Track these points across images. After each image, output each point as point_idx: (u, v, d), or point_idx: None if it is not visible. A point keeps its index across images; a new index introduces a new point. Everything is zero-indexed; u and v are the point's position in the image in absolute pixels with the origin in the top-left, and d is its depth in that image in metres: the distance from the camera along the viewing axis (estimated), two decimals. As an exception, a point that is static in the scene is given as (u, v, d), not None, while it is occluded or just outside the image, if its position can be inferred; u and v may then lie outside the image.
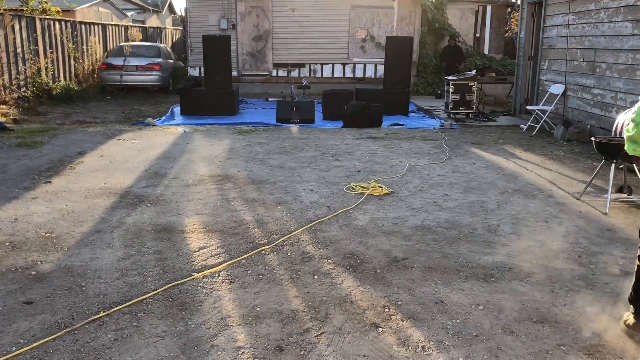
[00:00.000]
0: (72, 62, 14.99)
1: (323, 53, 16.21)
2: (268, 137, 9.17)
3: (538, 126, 9.85)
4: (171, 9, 34.26)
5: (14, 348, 2.84)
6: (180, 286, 3.58)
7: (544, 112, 9.94)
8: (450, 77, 11.68)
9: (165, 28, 25.71)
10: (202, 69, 12.08)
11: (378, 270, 3.85)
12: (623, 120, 6.47)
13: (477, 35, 17.98)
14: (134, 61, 15.05)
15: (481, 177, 6.52)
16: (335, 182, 6.24)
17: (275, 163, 7.16)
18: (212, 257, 4.06)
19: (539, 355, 2.84)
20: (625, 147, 3.13)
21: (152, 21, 28.58)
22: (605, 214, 5.19)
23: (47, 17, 14.08)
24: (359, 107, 10.44)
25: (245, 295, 3.46)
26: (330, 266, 3.92)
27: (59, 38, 14.24)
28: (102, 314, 3.19)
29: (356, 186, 5.99)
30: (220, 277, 3.72)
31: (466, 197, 5.70)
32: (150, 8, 28.99)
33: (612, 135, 6.68)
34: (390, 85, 12.02)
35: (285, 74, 15.40)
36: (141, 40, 20.04)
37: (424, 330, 3.07)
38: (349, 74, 16.46)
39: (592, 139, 5.54)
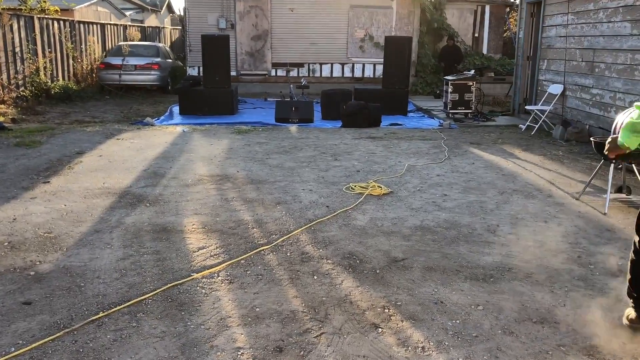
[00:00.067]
0: (71, 61, 14.97)
1: (322, 53, 16.20)
2: (267, 136, 9.16)
3: (537, 126, 9.85)
4: (170, 9, 34.23)
5: (13, 349, 2.83)
6: (179, 286, 3.57)
7: (542, 112, 9.95)
8: (449, 77, 11.68)
9: (164, 27, 25.68)
10: (201, 68, 12.07)
11: (377, 271, 3.85)
12: (622, 120, 6.48)
13: (476, 35, 18.00)
14: (132, 61, 15.02)
15: (480, 177, 6.52)
16: (335, 182, 6.24)
17: (274, 163, 7.15)
18: (212, 258, 4.05)
19: (538, 356, 2.84)
20: (621, 138, 3.00)
21: (151, 21, 28.56)
22: (605, 214, 5.19)
23: (46, 16, 14.05)
24: (358, 106, 10.44)
25: (244, 296, 3.45)
26: (330, 266, 3.92)
27: (57, 37, 14.22)
28: (101, 314, 3.19)
29: (355, 186, 5.99)
30: (219, 278, 3.72)
31: (465, 197, 5.70)
32: (149, 7, 28.96)
33: (611, 135, 6.68)
34: (389, 85, 12.02)
35: (284, 74, 15.38)
36: (140, 40, 20.01)
37: (423, 331, 3.06)
38: (347, 74, 16.45)
39: (591, 139, 5.54)
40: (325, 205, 5.35)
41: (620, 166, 5.55)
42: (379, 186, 5.96)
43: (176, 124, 10.37)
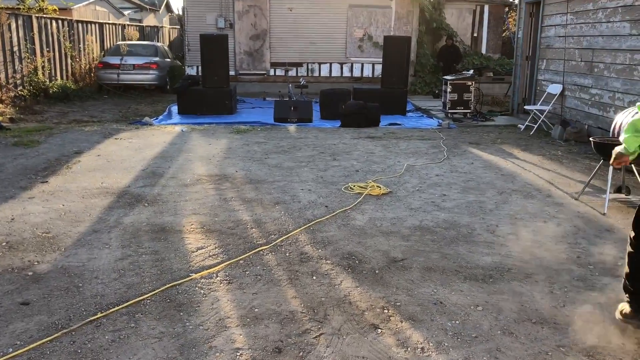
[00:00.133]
0: (69, 60, 14.94)
1: (321, 52, 16.19)
2: (266, 136, 9.15)
3: (536, 126, 9.85)
4: (168, 8, 34.20)
5: (11, 349, 2.82)
6: (178, 287, 3.56)
7: (541, 112, 9.95)
8: (448, 77, 11.68)
9: (162, 27, 25.65)
10: (200, 68, 12.07)
11: (377, 271, 3.84)
12: (621, 121, 6.47)
13: (475, 34, 18.00)
14: (131, 60, 15.01)
15: (479, 177, 6.52)
16: (334, 181, 6.23)
17: (273, 162, 7.14)
18: (210, 258, 4.04)
19: (538, 357, 2.84)
20: (623, 140, 3.03)
21: (150, 20, 28.53)
22: (604, 214, 5.19)
23: (44, 15, 14.02)
24: (357, 106, 10.43)
25: (243, 296, 3.44)
26: (329, 267, 3.91)
27: (55, 37, 14.19)
28: (99, 315, 3.17)
29: (354, 186, 5.98)
30: (218, 278, 3.71)
31: (464, 197, 5.70)
32: (148, 7, 28.93)
33: (610, 135, 6.68)
34: (388, 84, 12.01)
35: (283, 73, 15.36)
36: (138, 39, 19.99)
37: (423, 332, 3.05)
38: (346, 74, 16.45)
39: (590, 139, 5.54)
40: (324, 205, 5.34)
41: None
42: (378, 186, 5.95)
43: (175, 124, 10.36)
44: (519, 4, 12.15)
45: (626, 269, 3.10)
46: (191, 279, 3.68)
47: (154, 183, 6.06)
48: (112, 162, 7.00)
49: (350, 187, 5.95)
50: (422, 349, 2.89)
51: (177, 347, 2.87)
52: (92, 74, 15.80)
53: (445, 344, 2.93)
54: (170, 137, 8.94)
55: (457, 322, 3.16)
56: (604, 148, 5.39)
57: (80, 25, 15.77)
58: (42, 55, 13.41)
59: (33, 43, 13.01)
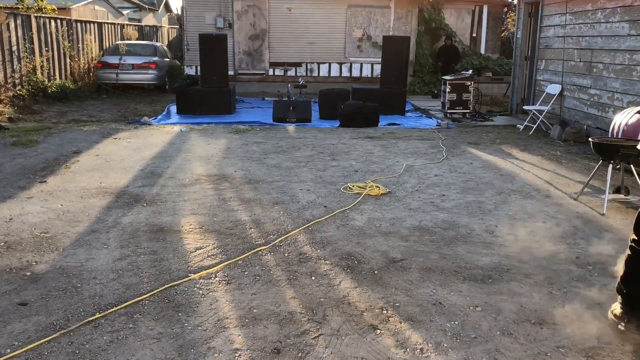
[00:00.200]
0: (68, 60, 14.92)
1: (320, 52, 16.18)
2: (265, 136, 9.14)
3: (535, 126, 9.85)
4: (167, 8, 34.17)
5: (9, 350, 2.81)
6: (176, 287, 3.55)
7: (540, 112, 9.95)
8: (447, 77, 11.68)
9: (161, 27, 25.62)
10: (199, 67, 12.05)
11: (376, 272, 3.84)
12: (620, 121, 6.48)
13: (474, 35, 17.99)
14: (130, 60, 15.00)
15: (478, 177, 6.51)
16: (332, 181, 6.22)
17: (272, 162, 7.13)
18: (209, 258, 4.03)
19: (537, 357, 2.83)
20: None
21: (149, 20, 28.50)
22: (603, 214, 5.19)
23: (43, 15, 14.00)
24: (356, 106, 10.43)
25: (242, 297, 3.43)
26: (328, 267, 3.90)
27: (54, 36, 14.17)
28: (97, 315, 3.16)
29: (353, 186, 5.97)
30: (217, 278, 3.70)
31: (463, 197, 5.69)
32: (147, 6, 28.90)
33: (609, 135, 6.68)
34: (387, 84, 12.01)
35: (282, 73, 15.36)
36: (137, 39, 19.96)
37: (422, 332, 3.05)
38: (345, 74, 16.44)
39: (590, 139, 5.53)
40: (323, 206, 5.33)
41: (618, 167, 5.54)
42: (377, 186, 5.95)
43: (173, 124, 10.35)
44: (517, 4, 12.15)
45: (623, 271, 3.09)
46: (190, 279, 3.67)
47: (152, 183, 6.05)
48: (111, 162, 6.99)
49: (349, 187, 5.94)
50: (421, 349, 2.89)
51: (176, 347, 2.86)
52: (91, 74, 15.78)
53: (445, 345, 2.93)
54: (169, 137, 8.93)
55: (456, 322, 3.16)
56: (604, 148, 5.40)
57: (79, 24, 15.75)
58: (41, 54, 13.39)
59: (32, 42, 12.99)
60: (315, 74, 16.33)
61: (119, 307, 3.26)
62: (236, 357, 2.79)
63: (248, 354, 2.82)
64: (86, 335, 2.97)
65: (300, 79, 13.09)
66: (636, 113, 6.34)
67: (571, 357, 2.84)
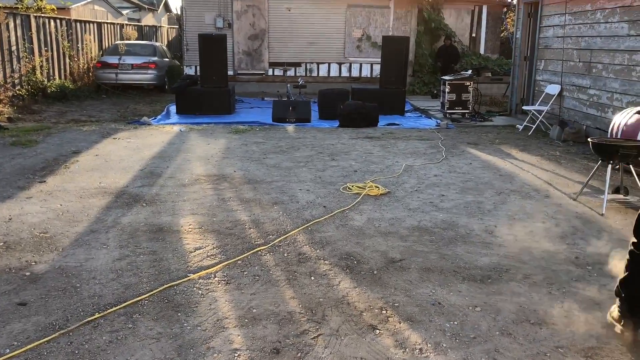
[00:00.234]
0: (67, 60, 14.91)
1: (319, 52, 16.19)
2: (264, 136, 9.14)
3: (534, 126, 9.86)
4: (167, 8, 34.16)
5: (8, 350, 2.81)
6: (175, 287, 3.55)
7: (539, 112, 9.95)
8: (446, 77, 11.68)
9: (161, 26, 25.61)
10: (198, 67, 12.04)
11: (375, 272, 3.84)
12: (619, 121, 6.48)
13: (473, 35, 18.00)
14: (129, 60, 14.99)
15: (478, 178, 6.51)
16: (332, 182, 6.23)
17: (272, 163, 7.13)
18: (208, 258, 4.03)
19: (536, 358, 2.83)
20: None
21: (148, 19, 28.49)
22: (602, 214, 5.19)
23: (42, 15, 13.99)
24: (355, 106, 10.43)
25: (241, 297, 3.44)
26: (327, 267, 3.90)
27: (54, 36, 14.16)
28: (97, 315, 3.16)
29: (353, 186, 5.97)
30: (216, 278, 3.70)
31: (463, 197, 5.69)
32: (146, 6, 28.89)
33: (609, 135, 6.69)
34: (387, 84, 12.01)
35: (282, 73, 15.36)
36: (137, 39, 19.96)
37: (421, 332, 3.05)
38: (345, 74, 16.44)
39: (589, 139, 5.54)
40: (323, 206, 5.33)
41: (617, 167, 5.55)
42: (376, 186, 5.95)
43: (173, 124, 10.34)
44: (517, 5, 12.16)
45: (623, 274, 3.08)
46: (189, 279, 3.67)
47: (152, 183, 6.05)
48: (110, 162, 6.99)
49: (349, 188, 5.94)
50: (421, 349, 2.89)
51: (175, 347, 2.86)
52: (91, 74, 15.77)
53: (444, 345, 2.93)
54: (169, 137, 8.93)
55: (456, 322, 3.16)
56: (603, 149, 5.40)
57: (78, 24, 15.74)
58: (40, 54, 13.39)
59: (31, 42, 12.99)
60: (314, 74, 16.33)
61: (118, 307, 3.27)
62: (235, 357, 2.79)
63: (247, 354, 2.82)
64: (85, 335, 2.97)
65: (299, 79, 13.09)
66: (635, 113, 6.34)
67: (570, 357, 2.85)
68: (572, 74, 9.55)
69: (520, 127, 10.24)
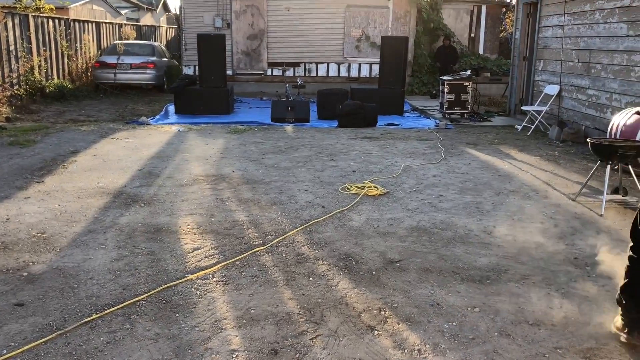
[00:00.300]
0: (66, 60, 14.89)
1: (318, 52, 16.18)
2: (263, 136, 9.13)
3: (533, 127, 9.85)
4: (166, 7, 34.13)
5: (5, 351, 2.80)
6: (173, 288, 3.54)
7: (538, 112, 9.95)
8: (445, 77, 11.68)
9: (159, 26, 25.60)
10: (197, 67, 12.03)
11: (373, 272, 3.83)
12: (618, 122, 6.48)
13: (472, 35, 17.99)
14: (128, 59, 14.98)
15: (476, 178, 6.51)
16: (330, 182, 6.22)
17: (270, 163, 7.12)
18: (206, 258, 4.02)
19: (535, 359, 2.83)
20: None
21: (147, 19, 28.47)
22: (601, 215, 5.19)
23: (41, 14, 13.97)
24: (354, 106, 10.42)
25: (239, 297, 3.42)
26: (326, 268, 3.90)
27: (52, 36, 14.14)
28: (94, 316, 3.15)
29: (351, 186, 5.97)
30: (214, 279, 3.69)
31: (462, 197, 5.69)
32: (145, 6, 28.86)
33: (607, 136, 6.69)
34: (385, 84, 12.01)
35: (280, 73, 15.36)
36: (135, 39, 19.95)
37: (420, 333, 3.04)
38: (344, 74, 16.44)
39: (588, 140, 5.53)
40: (321, 206, 5.32)
41: (616, 167, 5.54)
42: (375, 187, 5.94)
43: (171, 124, 10.33)
44: (516, 5, 12.16)
45: (623, 281, 3.04)
46: (187, 280, 3.66)
47: (150, 183, 6.04)
48: (109, 162, 6.98)
49: (348, 188, 5.93)
50: (419, 350, 2.88)
51: (173, 348, 2.85)
52: (89, 74, 15.76)
53: (442, 346, 2.92)
54: (167, 137, 8.92)
55: (454, 323, 3.15)
56: (602, 149, 5.40)
57: (77, 24, 15.72)
58: (39, 54, 13.37)
59: (29, 42, 12.97)
60: (313, 74, 16.33)
61: (116, 307, 3.25)
62: (233, 358, 2.78)
63: (245, 354, 2.81)
64: (83, 336, 2.96)
65: (298, 79, 13.09)
66: (634, 114, 6.34)
67: (569, 357, 2.84)
68: (571, 74, 9.55)
69: (519, 128, 10.24)
